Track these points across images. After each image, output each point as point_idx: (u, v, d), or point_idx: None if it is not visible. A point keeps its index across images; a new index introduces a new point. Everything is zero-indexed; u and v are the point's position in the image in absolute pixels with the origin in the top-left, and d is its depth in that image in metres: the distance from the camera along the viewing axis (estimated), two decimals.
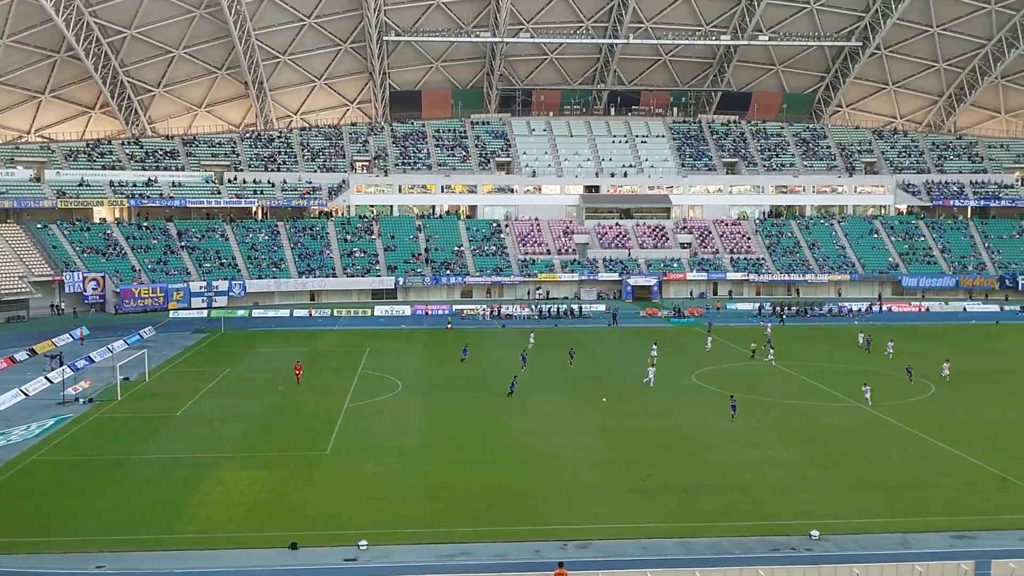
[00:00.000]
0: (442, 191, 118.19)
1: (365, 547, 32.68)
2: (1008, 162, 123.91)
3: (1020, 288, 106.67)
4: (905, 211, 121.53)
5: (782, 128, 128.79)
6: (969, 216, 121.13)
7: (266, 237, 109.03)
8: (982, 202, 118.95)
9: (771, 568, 29.91)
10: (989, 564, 30.49)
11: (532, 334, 78.36)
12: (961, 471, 41.54)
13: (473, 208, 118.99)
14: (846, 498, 37.95)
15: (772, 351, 70.20)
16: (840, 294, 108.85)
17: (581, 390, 58.54)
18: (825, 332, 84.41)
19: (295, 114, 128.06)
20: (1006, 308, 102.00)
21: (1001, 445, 45.58)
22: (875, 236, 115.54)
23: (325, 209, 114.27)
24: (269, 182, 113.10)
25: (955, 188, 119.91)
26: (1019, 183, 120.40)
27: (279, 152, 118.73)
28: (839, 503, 37.36)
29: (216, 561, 31.68)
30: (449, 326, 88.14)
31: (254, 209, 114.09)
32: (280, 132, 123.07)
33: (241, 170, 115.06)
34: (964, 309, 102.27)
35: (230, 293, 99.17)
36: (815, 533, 33.92)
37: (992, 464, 42.26)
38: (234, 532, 34.19)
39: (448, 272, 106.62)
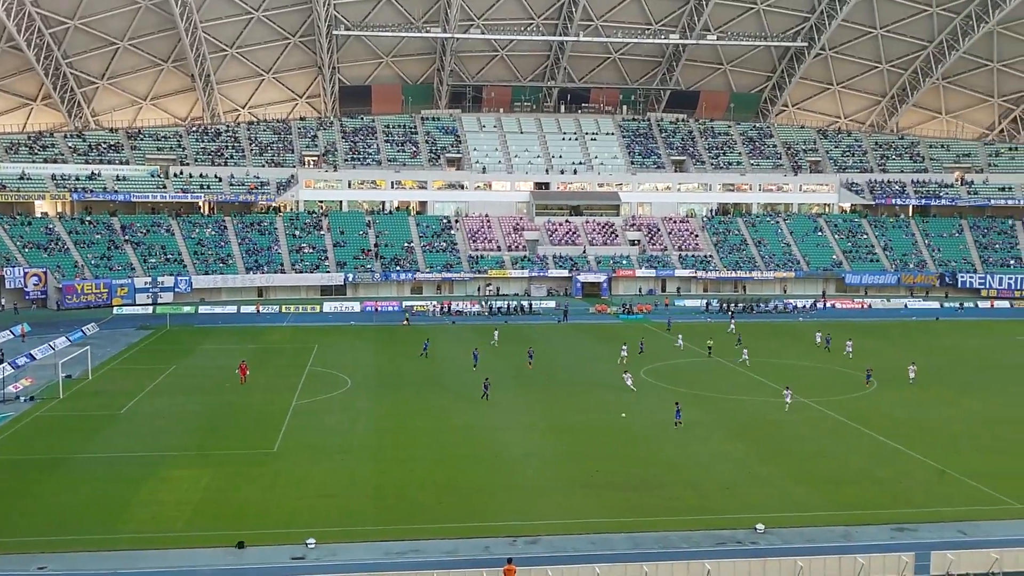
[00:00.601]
0: (392, 187, 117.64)
1: (313, 545, 32.51)
2: (948, 162, 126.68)
3: (959, 286, 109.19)
4: (849, 209, 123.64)
5: (729, 127, 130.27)
6: (910, 215, 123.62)
7: (213, 232, 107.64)
8: (923, 201, 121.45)
9: (717, 562, 30.36)
10: (929, 555, 31.29)
11: (496, 331, 78.11)
12: (902, 465, 42.46)
13: (423, 204, 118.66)
14: (790, 492, 38.60)
15: (745, 351, 67.97)
16: (785, 291, 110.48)
17: (532, 387, 58.74)
18: (771, 328, 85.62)
19: (243, 108, 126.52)
20: (946, 305, 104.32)
21: (940, 439, 46.68)
22: (819, 234, 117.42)
23: (273, 204, 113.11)
24: (216, 176, 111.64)
25: (897, 187, 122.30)
26: (958, 183, 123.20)
27: (226, 146, 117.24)
28: (784, 497, 37.99)
29: (161, 561, 31.29)
30: (406, 323, 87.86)
31: (201, 204, 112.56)
32: (227, 126, 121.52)
33: (187, 164, 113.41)
34: (905, 306, 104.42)
35: (176, 289, 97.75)
36: (760, 527, 34.47)
37: (932, 457, 43.27)
38: (180, 531, 33.80)
39: (398, 268, 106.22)
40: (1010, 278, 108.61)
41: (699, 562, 30.28)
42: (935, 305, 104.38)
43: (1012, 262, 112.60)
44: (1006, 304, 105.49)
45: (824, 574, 30.30)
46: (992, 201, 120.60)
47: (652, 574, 29.72)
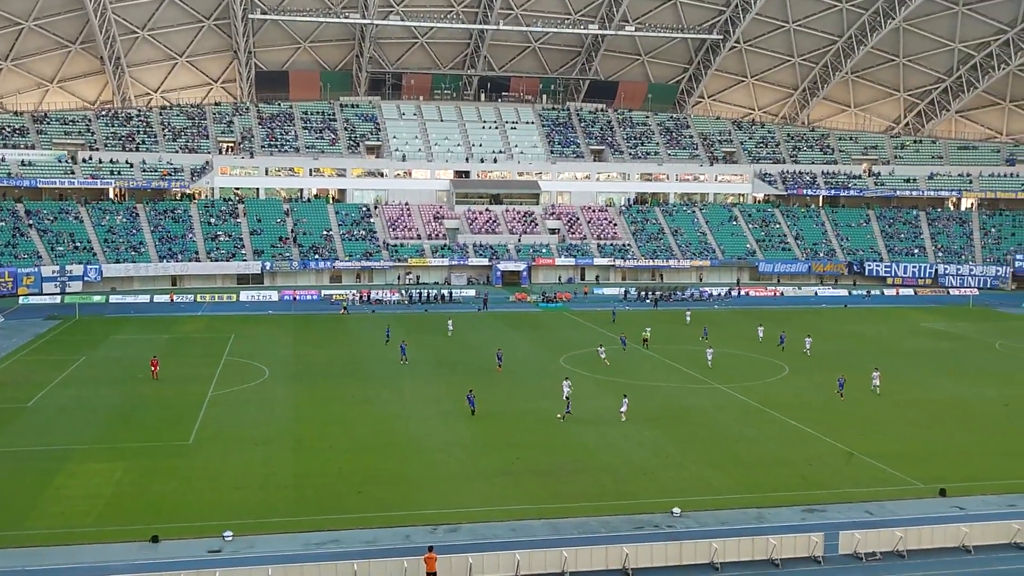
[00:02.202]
0: (310, 174, 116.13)
1: (230, 538, 32.10)
2: (856, 154, 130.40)
3: (867, 274, 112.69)
4: (762, 199, 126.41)
5: (647, 117, 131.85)
6: (821, 205, 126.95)
7: (124, 220, 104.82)
8: (832, 192, 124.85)
9: (635, 546, 30.90)
10: (837, 535, 32.36)
11: (451, 320, 77.20)
12: (812, 448, 43.76)
13: (342, 192, 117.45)
14: (705, 476, 39.47)
15: (711, 351, 63.42)
16: (701, 279, 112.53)
17: (451, 375, 58.80)
18: (678, 315, 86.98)
19: (155, 92, 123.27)
20: (854, 292, 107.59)
21: (848, 422, 48.21)
22: (734, 223, 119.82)
23: (187, 191, 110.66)
24: (127, 162, 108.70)
25: (808, 178, 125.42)
26: (866, 174, 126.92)
27: (138, 131, 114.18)
28: (699, 481, 38.83)
29: (72, 557, 30.54)
30: (344, 311, 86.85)
31: (111, 190, 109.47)
32: (139, 110, 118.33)
33: (97, 149, 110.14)
34: (815, 293, 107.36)
35: (85, 278, 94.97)
36: (676, 510, 35.18)
37: (840, 440, 44.69)
38: (91, 527, 33.01)
39: (317, 257, 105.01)
40: (914, 266, 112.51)
41: (617, 546, 30.77)
42: (844, 293, 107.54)
43: (916, 251, 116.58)
44: (910, 292, 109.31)
45: (738, 555, 31.08)
46: (898, 192, 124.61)
47: (572, 560, 30.11)
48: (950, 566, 31.10)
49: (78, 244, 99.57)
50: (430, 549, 29.32)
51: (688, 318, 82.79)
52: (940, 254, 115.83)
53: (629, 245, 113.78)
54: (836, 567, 30.94)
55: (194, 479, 38.22)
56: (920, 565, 31.12)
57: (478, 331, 76.60)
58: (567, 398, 49.60)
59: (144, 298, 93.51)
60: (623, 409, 47.63)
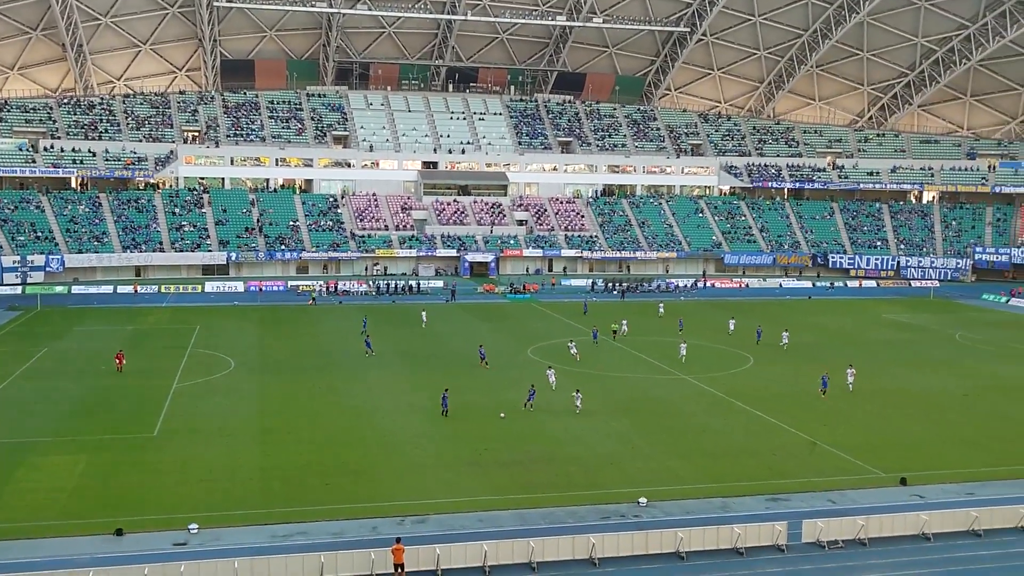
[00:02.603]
0: (276, 164, 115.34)
1: (196, 531, 31.91)
2: (821, 147, 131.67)
3: (830, 266, 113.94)
4: (728, 192, 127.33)
5: (615, 109, 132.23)
6: (785, 197, 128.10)
7: (87, 209, 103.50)
8: (797, 184, 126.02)
9: (602, 535, 31.12)
10: (800, 524, 32.77)
11: (424, 312, 76.63)
12: (776, 438, 44.26)
13: (309, 182, 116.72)
14: (671, 466, 39.80)
15: (684, 344, 62.86)
16: (667, 270, 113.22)
17: (419, 367, 58.76)
18: (654, 307, 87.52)
19: (118, 80, 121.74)
20: (817, 284, 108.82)
21: (812, 412, 48.80)
22: (700, 215, 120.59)
23: (152, 181, 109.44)
24: (90, 151, 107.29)
25: (773, 171, 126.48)
26: (830, 167, 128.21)
27: (101, 119, 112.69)
28: (665, 471, 39.14)
29: (35, 550, 30.19)
30: (312, 303, 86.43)
31: (73, 179, 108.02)
32: (102, 98, 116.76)
33: (59, 137, 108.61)
34: (780, 285, 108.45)
35: (47, 268, 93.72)
36: (643, 500, 35.46)
37: (804, 430, 45.23)
38: (55, 520, 32.67)
39: (283, 247, 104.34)
40: (877, 259, 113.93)
41: (584, 536, 30.97)
42: (808, 285, 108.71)
43: (879, 243, 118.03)
44: (873, 283, 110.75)
45: (703, 544, 31.39)
46: (861, 185, 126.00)
47: (539, 550, 30.26)
48: (910, 553, 31.63)
49: (40, 234, 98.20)
50: (398, 540, 29.33)
51: (661, 310, 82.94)
52: (902, 246, 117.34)
53: (596, 237, 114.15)
54: (799, 555, 31.34)
55: (159, 472, 37.92)
56: (881, 553, 31.61)
57: (447, 322, 76.55)
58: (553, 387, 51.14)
59: (107, 289, 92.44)
60: (577, 403, 47.62)
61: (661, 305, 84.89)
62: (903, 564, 30.77)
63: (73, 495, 35.12)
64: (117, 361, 55.78)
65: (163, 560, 28.86)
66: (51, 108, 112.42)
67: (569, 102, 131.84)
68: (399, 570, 28.70)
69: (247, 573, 28.41)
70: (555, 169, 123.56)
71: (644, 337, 69.98)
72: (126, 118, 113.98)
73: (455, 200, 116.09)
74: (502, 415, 46.19)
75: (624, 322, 72.23)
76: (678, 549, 31.07)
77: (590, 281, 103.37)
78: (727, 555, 31.16)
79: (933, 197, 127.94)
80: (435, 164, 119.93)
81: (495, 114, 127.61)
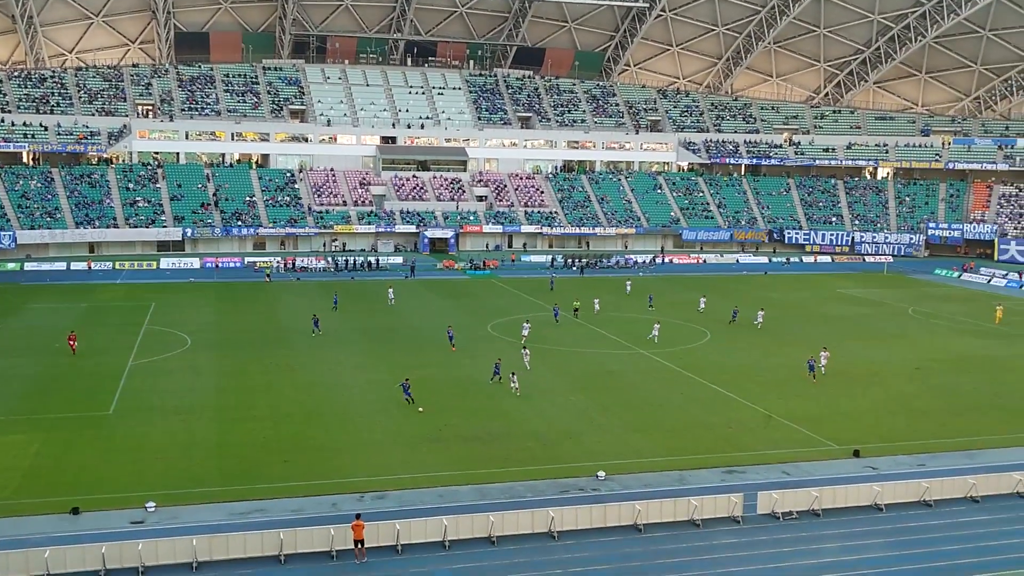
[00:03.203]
0: (232, 139, 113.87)
1: (153, 509, 31.69)
2: (778, 123, 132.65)
3: (786, 241, 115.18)
4: (686, 168, 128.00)
5: (574, 85, 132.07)
6: (743, 173, 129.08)
7: (39, 184, 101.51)
8: (754, 160, 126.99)
9: (561, 509, 31.39)
10: (756, 495, 33.30)
11: (391, 288, 75.88)
12: (732, 411, 44.84)
13: (265, 157, 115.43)
14: (629, 440, 40.19)
15: (657, 326, 61.08)
16: (626, 246, 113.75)
17: (376, 343, 58.61)
18: (613, 283, 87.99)
19: (70, 53, 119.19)
20: (773, 260, 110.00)
21: (767, 386, 49.48)
22: (659, 191, 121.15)
23: (105, 155, 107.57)
24: (41, 125, 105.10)
25: (731, 147, 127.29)
26: (787, 144, 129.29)
27: (52, 93, 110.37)
28: (623, 445, 39.52)
29: None
30: (268, 279, 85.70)
31: (25, 154, 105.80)
32: (53, 72, 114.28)
33: (9, 111, 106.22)
34: (737, 261, 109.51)
35: None
36: (601, 474, 35.79)
37: (759, 404, 45.87)
38: (9, 499, 32.26)
39: (240, 223, 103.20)
40: (832, 234, 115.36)
41: (543, 510, 31.22)
42: (764, 260, 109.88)
43: (834, 219, 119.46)
44: (828, 259, 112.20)
45: (660, 517, 31.80)
46: (817, 161, 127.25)
47: (499, 524, 30.46)
48: (862, 524, 32.29)
49: None
50: (357, 517, 29.35)
51: (628, 287, 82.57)
52: (857, 222, 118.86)
53: (556, 213, 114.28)
54: (755, 527, 31.87)
55: (115, 450, 37.56)
56: (834, 523, 32.23)
57: (406, 299, 76.31)
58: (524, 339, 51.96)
59: (60, 266, 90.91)
60: (514, 384, 46.30)
61: (628, 282, 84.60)
62: (856, 534, 31.41)
63: (28, 474, 34.68)
64: (70, 343, 54.27)
65: (120, 539, 28.64)
66: (1, 82, 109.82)
67: (529, 77, 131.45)
68: (359, 546, 28.76)
69: (206, 551, 28.31)
70: (515, 145, 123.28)
71: (616, 314, 70.17)
72: (78, 92, 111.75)
73: (414, 176, 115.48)
74: (420, 410, 43.04)
75: (596, 301, 71.54)
76: (636, 522, 31.45)
77: (550, 257, 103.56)
78: (684, 527, 31.60)
79: (888, 173, 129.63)
80: (394, 139, 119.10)
81: (454, 89, 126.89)
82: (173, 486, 33.74)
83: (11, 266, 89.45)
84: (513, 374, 47.25)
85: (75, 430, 39.86)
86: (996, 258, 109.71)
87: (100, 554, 27.36)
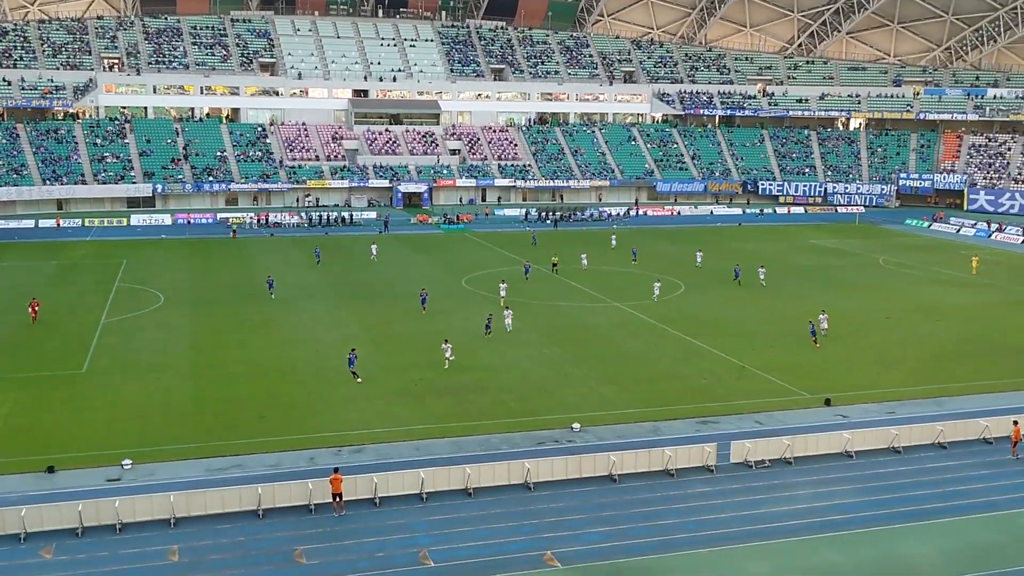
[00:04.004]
0: (201, 92, 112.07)
1: (129, 466, 31.71)
2: (752, 74, 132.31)
3: (760, 193, 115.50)
4: (660, 119, 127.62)
5: (547, 36, 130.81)
6: (717, 125, 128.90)
7: (4, 141, 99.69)
8: (728, 112, 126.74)
9: (536, 460, 31.71)
10: (729, 445, 33.79)
11: (374, 244, 75.17)
12: (705, 362, 45.28)
13: (236, 111, 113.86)
14: (604, 392, 40.53)
15: (658, 284, 60.25)
16: (600, 199, 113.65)
17: (351, 299, 58.49)
18: (587, 236, 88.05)
19: (32, 5, 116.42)
20: (747, 211, 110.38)
21: (740, 337, 49.94)
22: (633, 143, 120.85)
23: (71, 110, 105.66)
24: (4, 80, 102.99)
25: (705, 98, 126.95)
26: (760, 94, 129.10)
27: (15, 47, 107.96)
28: (597, 397, 39.86)
29: None
30: (233, 235, 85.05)
31: None
32: (15, 24, 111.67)
33: None
34: (711, 212, 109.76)
35: None
36: (576, 426, 36.13)
37: (732, 355, 46.33)
38: None
39: (211, 179, 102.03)
40: (805, 185, 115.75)
41: (519, 462, 31.52)
42: (738, 211, 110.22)
43: (807, 170, 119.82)
44: (801, 210, 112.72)
45: (635, 467, 32.22)
46: (790, 112, 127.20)
47: (475, 476, 30.74)
48: (833, 471, 32.87)
49: None
50: (335, 470, 29.52)
51: (614, 242, 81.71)
52: (829, 173, 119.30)
53: (530, 166, 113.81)
54: (728, 475, 32.36)
55: (89, 408, 37.44)
56: (806, 471, 32.79)
57: (381, 254, 75.86)
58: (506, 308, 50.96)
59: (29, 223, 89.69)
60: (448, 355, 43.47)
61: (614, 236, 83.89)
62: (827, 481, 31.98)
63: (1, 434, 34.52)
64: (30, 310, 51.56)
65: (97, 496, 28.67)
66: None
67: (501, 28, 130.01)
68: (337, 499, 28.96)
69: (183, 507, 28.40)
70: (488, 97, 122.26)
71: (598, 267, 69.92)
72: (42, 45, 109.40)
73: (387, 130, 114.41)
74: (359, 380, 41.06)
75: (584, 256, 70.94)
76: (611, 472, 31.84)
77: (524, 211, 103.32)
78: (658, 476, 32.04)
79: (860, 124, 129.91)
80: (366, 92, 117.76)
81: (426, 40, 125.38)
82: (149, 443, 33.74)
83: None
84: (446, 341, 44.10)
85: (48, 389, 39.65)
86: (966, 208, 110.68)
87: (77, 512, 27.38)
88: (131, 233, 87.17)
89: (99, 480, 30.72)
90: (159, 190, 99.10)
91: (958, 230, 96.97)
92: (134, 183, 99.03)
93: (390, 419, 36.69)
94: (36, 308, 51.65)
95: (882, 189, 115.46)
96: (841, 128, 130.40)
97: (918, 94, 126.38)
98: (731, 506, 29.92)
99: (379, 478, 30.03)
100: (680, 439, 34.84)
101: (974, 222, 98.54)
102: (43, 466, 31.46)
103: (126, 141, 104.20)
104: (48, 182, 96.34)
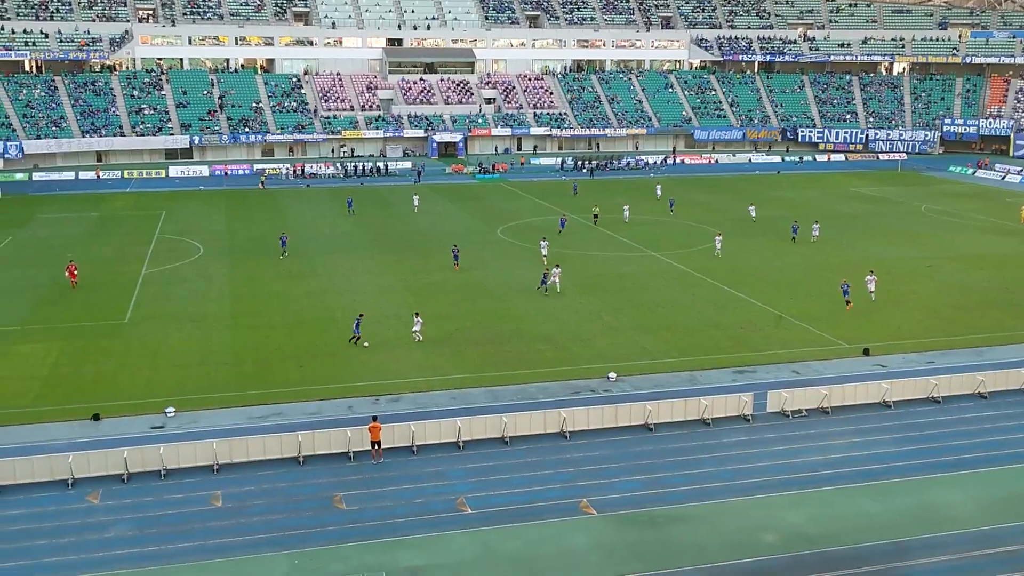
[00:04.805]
0: (236, 43, 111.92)
1: (173, 414, 32.30)
2: (792, 18, 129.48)
3: (800, 140, 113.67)
4: (698, 66, 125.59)
5: None
6: (756, 71, 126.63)
7: (43, 93, 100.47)
8: (768, 57, 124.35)
9: (572, 410, 31.83)
10: (766, 395, 33.67)
11: (416, 195, 74.88)
12: (743, 312, 44.99)
13: (271, 62, 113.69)
14: (640, 341, 40.47)
15: (719, 238, 58.04)
16: (637, 147, 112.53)
17: (386, 249, 58.66)
18: (624, 184, 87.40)
19: None
20: (786, 159, 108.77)
21: (778, 287, 49.52)
22: (670, 91, 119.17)
23: (108, 62, 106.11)
24: (42, 32, 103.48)
25: (744, 44, 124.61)
26: (801, 39, 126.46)
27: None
28: (634, 346, 39.82)
29: (11, 437, 30.47)
30: (262, 186, 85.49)
31: (27, 62, 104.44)
32: None
33: (8, 19, 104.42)
34: (750, 160, 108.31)
35: (6, 155, 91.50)
36: (612, 375, 36.17)
37: (770, 304, 45.99)
38: (29, 407, 32.91)
39: (247, 130, 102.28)
40: (846, 132, 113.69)
41: (555, 411, 31.68)
42: (777, 159, 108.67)
43: (848, 117, 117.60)
44: (841, 157, 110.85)
45: (671, 416, 32.26)
46: (832, 57, 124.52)
47: (511, 424, 30.96)
48: (871, 420, 32.68)
49: None
50: (374, 419, 29.86)
51: (659, 191, 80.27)
52: (871, 119, 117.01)
53: (566, 114, 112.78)
54: (764, 424, 32.30)
55: (132, 358, 38.08)
56: (843, 420, 32.62)
57: (412, 203, 75.85)
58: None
59: (69, 175, 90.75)
60: (416, 329, 40.29)
61: (659, 185, 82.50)
62: (865, 431, 31.81)
63: (47, 383, 35.27)
64: (68, 275, 49.13)
65: (142, 443, 29.28)
66: None
67: None
68: (376, 447, 29.33)
69: (226, 453, 28.93)
70: (523, 45, 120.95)
71: (638, 217, 68.82)
72: None
73: (421, 79, 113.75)
74: (365, 344, 39.50)
75: (626, 208, 69.55)
76: (647, 421, 31.90)
77: (559, 160, 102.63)
78: (694, 426, 32.06)
79: (903, 69, 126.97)
80: (400, 41, 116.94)
81: None
82: (191, 392, 34.32)
83: (20, 176, 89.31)
84: (416, 313, 41.24)
85: (92, 339, 40.36)
86: (1012, 154, 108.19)
87: (123, 458, 27.99)
88: (169, 185, 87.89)
89: (143, 427, 31.35)
90: (196, 142, 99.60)
91: (1003, 177, 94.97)
92: (171, 135, 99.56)
93: (427, 368, 36.96)
94: (75, 272, 49.24)
95: (925, 135, 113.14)
96: (884, 73, 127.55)
97: (964, 37, 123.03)
98: (767, 455, 29.90)
99: (417, 426, 30.35)
100: (717, 388, 34.78)
101: (1020, 168, 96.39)
102: (89, 414, 32.14)
103: (163, 93, 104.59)
104: (87, 134, 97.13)
